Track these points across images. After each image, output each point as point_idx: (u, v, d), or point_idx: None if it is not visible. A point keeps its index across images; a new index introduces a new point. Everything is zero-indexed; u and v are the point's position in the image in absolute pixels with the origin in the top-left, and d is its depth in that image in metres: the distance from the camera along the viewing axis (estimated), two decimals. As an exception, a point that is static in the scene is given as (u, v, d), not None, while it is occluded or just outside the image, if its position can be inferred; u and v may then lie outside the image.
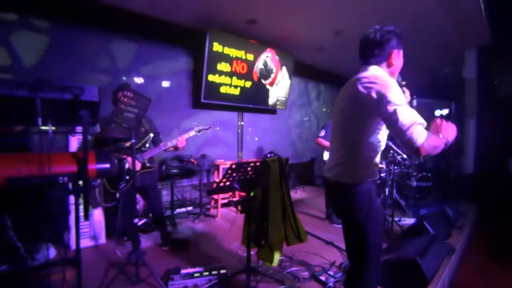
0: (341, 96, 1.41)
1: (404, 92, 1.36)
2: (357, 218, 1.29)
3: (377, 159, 1.34)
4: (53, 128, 1.26)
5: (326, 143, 3.45)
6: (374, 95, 1.16)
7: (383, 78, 1.20)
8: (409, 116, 1.09)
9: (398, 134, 1.12)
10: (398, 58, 1.34)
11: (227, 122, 4.77)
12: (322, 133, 3.55)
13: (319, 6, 3.41)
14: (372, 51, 1.32)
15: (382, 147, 1.33)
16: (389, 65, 1.33)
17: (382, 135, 1.30)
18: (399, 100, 1.13)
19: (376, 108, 1.17)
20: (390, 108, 1.11)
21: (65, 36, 3.02)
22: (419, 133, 1.08)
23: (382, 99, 1.14)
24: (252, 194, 1.98)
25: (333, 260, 2.44)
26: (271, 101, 5.10)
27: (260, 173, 2.00)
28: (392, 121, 1.12)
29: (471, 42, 4.73)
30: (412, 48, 3.81)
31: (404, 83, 1.51)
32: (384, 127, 1.26)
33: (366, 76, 1.25)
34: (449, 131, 1.13)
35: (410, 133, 1.08)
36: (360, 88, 1.21)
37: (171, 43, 3.95)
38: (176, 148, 2.57)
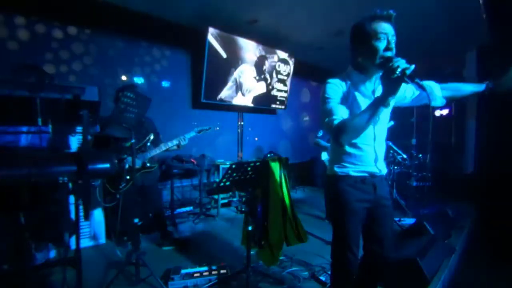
0: None
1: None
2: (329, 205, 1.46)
3: (349, 157, 1.39)
4: (53, 128, 1.26)
5: (324, 144, 3.45)
6: None
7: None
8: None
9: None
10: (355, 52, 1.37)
11: (227, 122, 4.77)
12: (320, 133, 3.55)
13: (319, 6, 3.41)
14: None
15: (350, 149, 1.38)
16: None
17: None
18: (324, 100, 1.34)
19: None
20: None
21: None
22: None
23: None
24: (252, 193, 1.98)
25: (333, 260, 2.43)
26: (271, 101, 5.10)
27: (260, 173, 2.00)
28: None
29: (471, 42, 4.73)
30: (412, 48, 3.83)
31: None
32: None
33: None
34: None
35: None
36: None
37: (171, 43, 3.94)
38: (178, 146, 2.58)
